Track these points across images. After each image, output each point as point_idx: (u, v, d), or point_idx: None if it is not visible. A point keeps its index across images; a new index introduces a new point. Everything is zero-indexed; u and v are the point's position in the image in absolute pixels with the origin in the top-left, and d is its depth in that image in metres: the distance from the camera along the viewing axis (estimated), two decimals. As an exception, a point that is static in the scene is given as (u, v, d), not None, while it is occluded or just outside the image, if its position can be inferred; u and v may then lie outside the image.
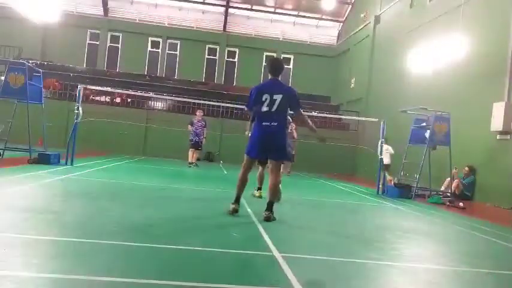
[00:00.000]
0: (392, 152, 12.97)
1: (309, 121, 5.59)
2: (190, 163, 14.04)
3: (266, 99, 5.17)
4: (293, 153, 12.34)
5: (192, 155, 14.20)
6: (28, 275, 2.51)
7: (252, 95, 5.34)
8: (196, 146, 14.16)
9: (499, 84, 10.96)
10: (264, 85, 5.46)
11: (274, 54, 25.64)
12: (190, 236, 4.04)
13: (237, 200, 5.32)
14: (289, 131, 10.59)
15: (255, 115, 5.43)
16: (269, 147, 5.25)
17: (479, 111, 11.36)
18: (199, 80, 24.58)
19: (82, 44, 24.34)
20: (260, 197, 7.03)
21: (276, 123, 5.17)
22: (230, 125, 19.68)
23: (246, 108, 5.66)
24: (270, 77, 5.40)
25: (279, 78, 5.39)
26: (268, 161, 5.52)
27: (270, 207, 5.13)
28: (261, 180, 7.25)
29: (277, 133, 5.20)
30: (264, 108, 5.17)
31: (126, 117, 18.02)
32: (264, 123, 5.20)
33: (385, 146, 11.90)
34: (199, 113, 14.47)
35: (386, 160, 12.47)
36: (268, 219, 5.02)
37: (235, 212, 5.23)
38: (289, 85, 5.53)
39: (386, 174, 11.90)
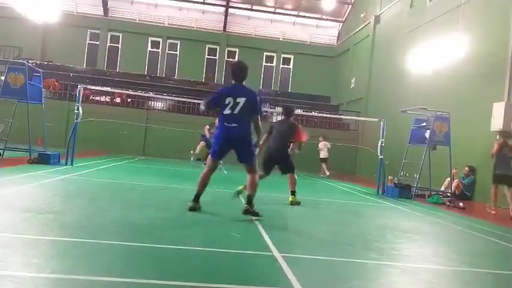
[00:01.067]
0: (329, 146, 15.49)
1: (260, 128, 5.53)
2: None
3: (229, 102, 5.24)
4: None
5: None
6: (28, 275, 2.51)
7: (215, 97, 5.43)
8: None
9: (499, 84, 10.96)
10: (228, 88, 5.49)
11: (274, 54, 25.69)
12: (190, 236, 4.04)
13: (196, 199, 5.43)
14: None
15: (219, 118, 5.55)
16: (234, 149, 5.36)
17: (479, 111, 11.36)
18: (199, 80, 24.57)
19: (82, 44, 24.35)
20: (299, 203, 7.02)
21: (237, 125, 5.25)
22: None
23: (202, 107, 5.82)
24: (233, 82, 5.45)
25: (243, 83, 5.45)
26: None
27: (248, 201, 5.34)
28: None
29: (240, 135, 5.29)
30: (227, 111, 5.25)
31: (126, 117, 18.01)
32: (226, 125, 5.29)
33: (323, 142, 14.79)
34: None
35: (323, 154, 15.12)
36: (246, 211, 5.22)
37: (193, 209, 5.30)
38: (257, 90, 5.73)
39: (324, 167, 14.80)
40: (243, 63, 5.67)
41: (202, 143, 14.37)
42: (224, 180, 11.24)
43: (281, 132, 7.29)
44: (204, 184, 5.51)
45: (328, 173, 15.57)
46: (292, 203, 6.99)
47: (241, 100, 5.24)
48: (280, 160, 7.26)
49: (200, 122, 19.40)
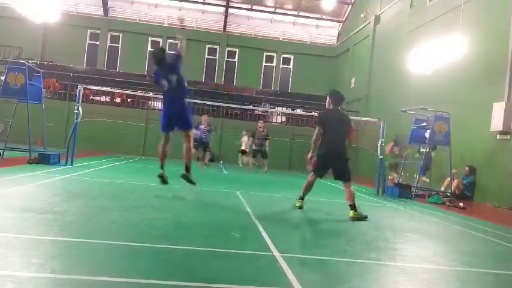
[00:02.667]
0: (248, 138, 15.76)
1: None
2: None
3: (165, 83, 6.05)
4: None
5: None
6: (28, 275, 2.50)
7: (156, 82, 6.25)
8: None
9: (499, 84, 10.96)
10: (160, 73, 6.17)
11: (274, 54, 25.67)
12: (190, 236, 4.04)
13: (162, 168, 6.44)
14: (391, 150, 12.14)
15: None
16: (175, 121, 6.17)
17: (479, 111, 11.36)
18: (199, 80, 24.56)
19: (82, 44, 24.33)
20: (301, 207, 6.38)
21: (177, 99, 6.10)
22: (230, 125, 19.70)
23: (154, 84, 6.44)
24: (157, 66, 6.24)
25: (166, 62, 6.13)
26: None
27: (186, 168, 6.14)
28: (308, 188, 6.45)
29: (179, 107, 6.11)
30: (166, 89, 6.06)
31: (126, 117, 18.02)
32: (167, 102, 6.18)
33: (245, 137, 15.73)
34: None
35: (244, 146, 16.05)
36: (184, 177, 5.99)
37: (161, 178, 6.28)
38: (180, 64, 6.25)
39: (243, 158, 15.98)
40: (160, 48, 6.61)
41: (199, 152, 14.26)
42: (224, 180, 11.25)
43: (341, 125, 6.21)
44: (163, 156, 6.43)
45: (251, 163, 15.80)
46: (357, 219, 5.84)
47: (173, 77, 6.02)
48: (339, 161, 6.15)
49: (199, 122, 19.43)
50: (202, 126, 14.04)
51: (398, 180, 11.53)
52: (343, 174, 6.20)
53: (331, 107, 6.47)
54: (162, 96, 6.54)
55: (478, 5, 12.24)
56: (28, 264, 2.71)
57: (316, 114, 18.25)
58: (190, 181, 6.10)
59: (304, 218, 5.96)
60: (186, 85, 6.31)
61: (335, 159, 6.17)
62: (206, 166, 13.85)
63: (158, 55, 6.23)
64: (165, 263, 3.06)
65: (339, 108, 6.55)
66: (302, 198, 6.45)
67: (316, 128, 6.28)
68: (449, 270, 3.74)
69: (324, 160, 6.21)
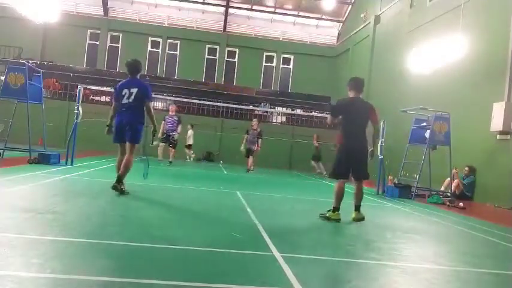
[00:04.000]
0: (193, 132, 16.83)
1: (152, 113, 6.49)
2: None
3: (125, 93, 6.30)
4: (254, 148, 14.11)
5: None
6: (28, 275, 2.50)
7: (115, 91, 6.49)
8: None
9: (499, 84, 10.95)
10: (123, 83, 6.50)
11: (274, 54, 25.67)
12: (190, 236, 4.04)
13: (118, 180, 6.24)
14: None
15: (116, 108, 6.47)
16: (126, 131, 6.34)
17: (479, 111, 11.36)
18: (199, 80, 24.56)
19: (82, 44, 24.33)
20: (338, 220, 5.59)
21: (132, 110, 6.30)
22: (230, 125, 19.69)
23: (112, 102, 6.66)
24: (129, 77, 6.53)
25: (138, 77, 6.57)
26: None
27: (119, 180, 6.19)
28: (340, 196, 5.68)
29: (132, 119, 6.31)
30: (124, 100, 6.29)
31: (126, 117, 17.98)
32: (123, 110, 6.33)
33: (190, 131, 16.67)
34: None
35: (190, 141, 16.83)
36: (115, 188, 6.00)
37: (114, 188, 6.09)
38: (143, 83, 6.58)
39: (188, 151, 16.86)
40: (135, 60, 6.72)
41: (162, 145, 13.94)
42: (223, 180, 11.25)
43: (361, 115, 5.51)
44: (118, 165, 6.58)
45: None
46: (358, 220, 5.58)
47: (134, 90, 6.30)
48: (358, 159, 5.45)
49: (200, 122, 19.46)
50: (170, 119, 13.55)
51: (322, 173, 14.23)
52: (361, 173, 5.58)
53: (351, 96, 5.79)
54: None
55: (478, 5, 12.24)
56: (28, 264, 2.71)
57: (316, 114, 18.40)
58: (122, 192, 6.08)
59: (304, 218, 5.96)
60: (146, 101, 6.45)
61: (354, 157, 5.47)
62: (170, 164, 13.49)
63: (132, 65, 6.62)
64: (165, 263, 3.06)
65: (360, 96, 5.81)
66: (337, 209, 5.53)
67: (328, 117, 5.66)
68: (449, 270, 3.74)
69: (342, 158, 5.50)
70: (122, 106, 6.35)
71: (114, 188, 6.08)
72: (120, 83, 6.56)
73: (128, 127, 6.31)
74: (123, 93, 6.31)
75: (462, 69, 12.14)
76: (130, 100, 6.28)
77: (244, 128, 15.51)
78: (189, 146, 17.07)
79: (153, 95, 6.89)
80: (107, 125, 6.59)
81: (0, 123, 12.58)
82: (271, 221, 5.22)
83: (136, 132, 6.41)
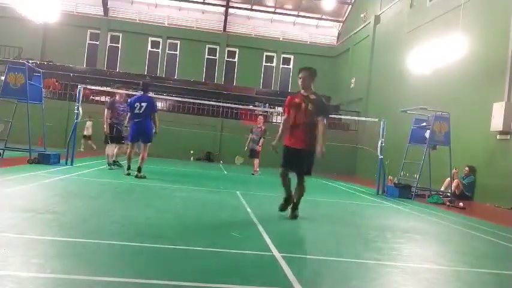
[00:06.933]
0: (91, 124, 16.78)
1: (157, 121, 8.86)
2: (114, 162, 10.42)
3: (137, 105, 8.62)
4: (257, 149, 13.21)
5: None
6: (28, 275, 2.50)
7: (130, 105, 8.89)
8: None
9: (499, 84, 10.96)
10: (135, 99, 8.88)
11: (274, 54, 25.68)
12: (190, 236, 4.04)
13: (127, 168, 8.94)
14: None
15: (132, 117, 8.93)
16: (140, 134, 8.77)
17: (479, 111, 11.36)
18: (199, 80, 24.57)
19: (82, 44, 24.34)
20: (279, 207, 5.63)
21: (143, 119, 8.68)
22: (230, 125, 19.70)
23: (128, 113, 9.30)
24: (142, 93, 8.98)
25: (149, 94, 9.39)
26: None
27: (139, 170, 8.55)
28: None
29: (144, 125, 8.69)
30: (137, 111, 8.64)
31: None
32: (136, 120, 8.74)
33: (89, 122, 16.65)
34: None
35: (88, 132, 16.95)
36: (137, 176, 8.44)
37: (128, 174, 8.77)
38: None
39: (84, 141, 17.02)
40: (148, 81, 9.25)
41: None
42: (223, 180, 11.25)
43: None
44: (129, 158, 8.98)
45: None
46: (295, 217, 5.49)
47: (144, 104, 8.61)
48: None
49: (199, 122, 19.47)
50: (120, 107, 10.18)
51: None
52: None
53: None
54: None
55: (478, 5, 12.24)
56: (28, 264, 2.71)
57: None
58: (144, 177, 8.48)
59: (304, 218, 5.95)
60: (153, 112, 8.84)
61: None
62: (116, 165, 10.34)
63: (147, 85, 9.40)
64: (165, 263, 3.06)
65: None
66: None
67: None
68: (449, 270, 3.74)
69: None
70: (135, 116, 8.70)
71: (137, 176, 8.43)
72: (132, 99, 8.94)
73: (142, 133, 8.73)
74: (135, 106, 8.61)
75: (462, 69, 12.14)
76: (141, 111, 8.59)
77: (244, 128, 15.52)
78: (86, 137, 17.14)
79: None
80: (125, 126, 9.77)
81: (0, 123, 12.57)
82: (271, 221, 5.22)
83: (149, 135, 8.76)
